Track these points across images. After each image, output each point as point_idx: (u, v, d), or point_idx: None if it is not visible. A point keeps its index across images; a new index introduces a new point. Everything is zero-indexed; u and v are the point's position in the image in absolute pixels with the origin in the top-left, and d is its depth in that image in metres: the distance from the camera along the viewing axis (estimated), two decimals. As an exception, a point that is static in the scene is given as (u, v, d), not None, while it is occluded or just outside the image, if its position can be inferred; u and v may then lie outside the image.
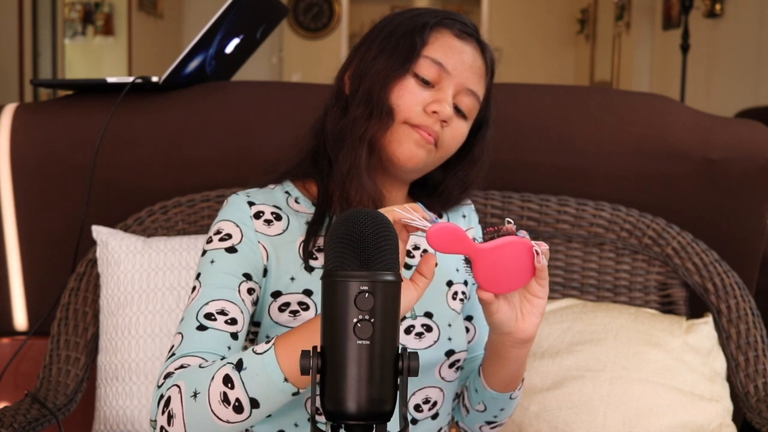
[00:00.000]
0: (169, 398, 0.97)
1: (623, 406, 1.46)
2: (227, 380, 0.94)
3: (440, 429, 1.21)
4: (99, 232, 1.57)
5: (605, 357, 1.51)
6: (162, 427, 0.98)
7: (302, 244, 1.15)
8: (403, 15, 1.18)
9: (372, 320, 0.75)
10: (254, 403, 0.93)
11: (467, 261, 0.97)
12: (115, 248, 1.54)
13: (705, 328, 1.56)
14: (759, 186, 1.61)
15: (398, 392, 0.79)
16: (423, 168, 1.17)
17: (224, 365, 0.96)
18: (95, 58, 6.24)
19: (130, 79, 1.62)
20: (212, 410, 0.94)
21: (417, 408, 1.17)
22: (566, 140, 1.63)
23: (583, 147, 1.63)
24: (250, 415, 0.94)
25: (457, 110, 1.16)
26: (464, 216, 1.33)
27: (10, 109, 1.69)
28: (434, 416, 1.19)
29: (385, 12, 1.29)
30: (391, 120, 1.13)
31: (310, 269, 1.13)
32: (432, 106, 1.13)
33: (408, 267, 1.19)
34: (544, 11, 8.29)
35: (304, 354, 0.77)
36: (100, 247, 1.56)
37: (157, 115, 1.66)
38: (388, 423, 0.78)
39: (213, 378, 0.95)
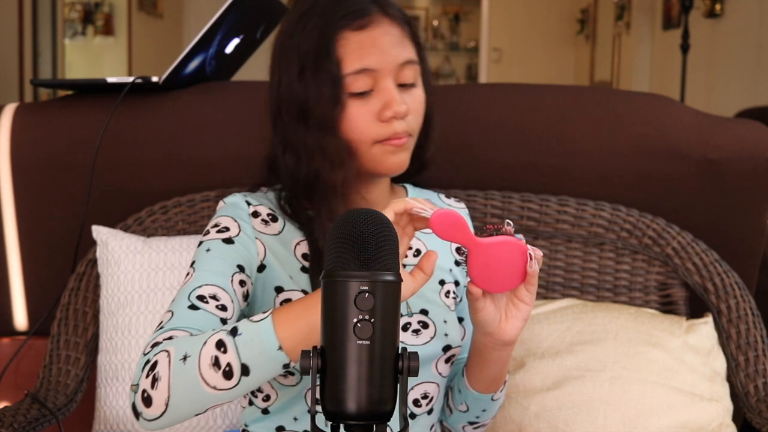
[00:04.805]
0: (156, 362, 0.96)
1: (623, 406, 1.46)
2: (220, 344, 0.94)
3: (432, 425, 1.23)
4: (99, 232, 1.57)
5: (605, 357, 1.51)
6: (144, 391, 0.96)
7: (298, 247, 1.16)
8: (303, 24, 1.11)
9: (372, 320, 0.75)
10: (245, 370, 0.93)
11: (463, 253, 0.98)
12: (115, 248, 1.54)
13: (705, 328, 1.56)
14: (759, 186, 1.61)
15: (398, 392, 0.79)
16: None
17: (218, 331, 0.96)
18: (95, 58, 6.24)
19: (130, 79, 1.62)
20: (201, 374, 0.94)
21: (415, 403, 1.18)
22: (566, 140, 1.63)
23: (583, 147, 1.63)
24: (238, 383, 0.94)
25: (404, 85, 1.12)
26: None
27: (10, 109, 1.69)
28: (429, 411, 1.21)
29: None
30: (353, 158, 1.11)
31: (306, 271, 1.15)
32: (384, 113, 1.10)
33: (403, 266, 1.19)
34: (544, 11, 8.28)
35: (304, 354, 0.77)
36: (100, 247, 1.56)
37: (157, 115, 1.66)
38: (388, 423, 0.78)
39: (206, 343, 0.95)
